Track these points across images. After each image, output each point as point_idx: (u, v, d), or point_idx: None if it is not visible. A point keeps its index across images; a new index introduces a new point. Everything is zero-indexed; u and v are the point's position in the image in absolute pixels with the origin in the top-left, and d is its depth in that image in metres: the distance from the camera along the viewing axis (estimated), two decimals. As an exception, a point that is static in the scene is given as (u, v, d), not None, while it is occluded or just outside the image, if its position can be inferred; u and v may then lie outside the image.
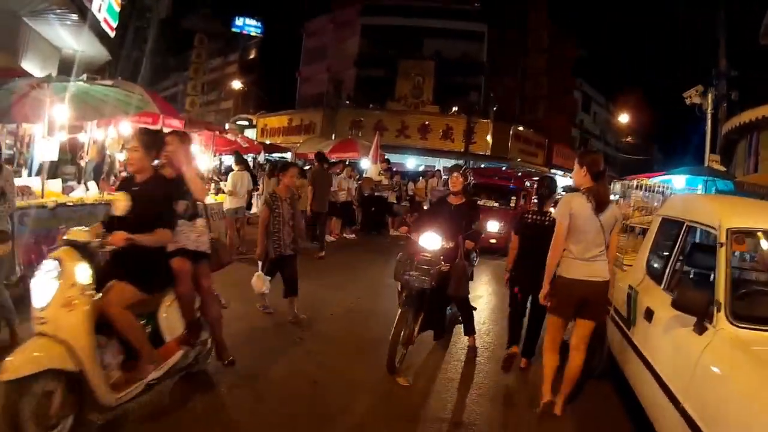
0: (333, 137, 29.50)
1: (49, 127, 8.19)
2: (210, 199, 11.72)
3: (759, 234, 4.31)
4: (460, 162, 6.89)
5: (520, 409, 5.26)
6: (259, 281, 7.14)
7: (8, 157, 10.48)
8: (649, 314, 4.44)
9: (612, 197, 6.62)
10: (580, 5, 46.89)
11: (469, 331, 6.60)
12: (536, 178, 19.43)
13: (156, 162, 4.58)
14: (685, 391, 3.42)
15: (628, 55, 59.86)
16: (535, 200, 7.84)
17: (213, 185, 13.28)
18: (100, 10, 14.17)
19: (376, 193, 17.12)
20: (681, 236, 4.76)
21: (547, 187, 6.45)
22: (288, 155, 28.02)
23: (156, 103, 11.42)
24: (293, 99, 45.85)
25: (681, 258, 4.85)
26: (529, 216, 6.36)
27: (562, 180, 32.57)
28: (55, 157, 8.92)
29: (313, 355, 6.11)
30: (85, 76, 12.41)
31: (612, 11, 59.88)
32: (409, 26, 37.99)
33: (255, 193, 14.24)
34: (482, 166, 29.67)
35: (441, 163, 29.47)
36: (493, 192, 16.65)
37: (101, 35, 14.83)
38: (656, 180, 11.73)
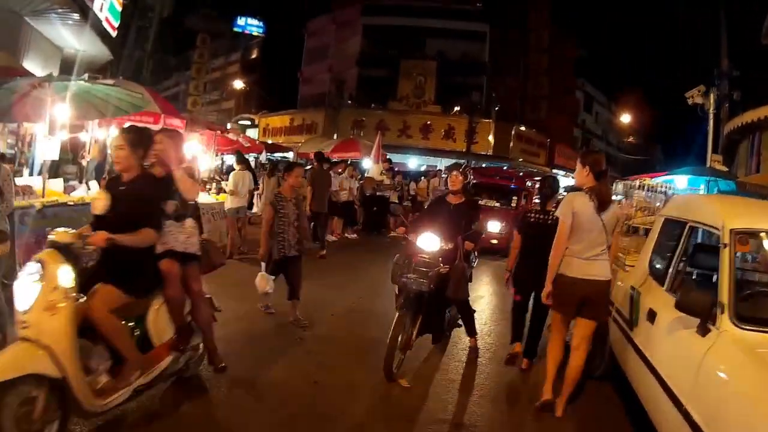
0: (335, 137, 29.49)
1: (51, 127, 8.19)
2: (211, 199, 11.73)
3: (762, 235, 4.29)
4: (461, 161, 6.80)
5: (521, 411, 5.23)
6: (263, 281, 7.06)
7: (10, 157, 10.48)
8: (651, 315, 4.42)
9: (614, 197, 6.62)
10: (582, 5, 46.79)
11: (471, 332, 6.50)
12: (537, 178, 19.40)
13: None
14: (688, 393, 3.39)
15: (630, 55, 59.73)
16: (537, 200, 7.84)
17: (214, 185, 13.29)
18: (101, 9, 14.15)
19: (377, 193, 17.12)
20: (684, 237, 4.74)
21: (550, 186, 6.47)
22: (290, 155, 28.03)
23: (157, 102, 11.41)
24: (295, 99, 45.84)
25: (684, 259, 4.83)
26: (532, 215, 6.38)
27: (564, 180, 32.60)
28: (56, 157, 8.93)
29: (313, 355, 6.10)
30: (86, 75, 12.45)
31: (614, 11, 59.78)
32: (411, 26, 37.94)
33: (256, 193, 14.24)
34: (483, 165, 29.62)
35: (443, 163, 29.42)
36: (494, 192, 16.57)
37: (103, 35, 14.82)
38: (658, 180, 11.71)
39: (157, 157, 4.56)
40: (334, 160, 17.59)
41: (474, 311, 6.63)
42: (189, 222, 4.70)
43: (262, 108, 45.50)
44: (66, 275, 3.55)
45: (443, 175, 19.23)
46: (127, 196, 4.11)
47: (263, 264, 7.25)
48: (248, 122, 44.00)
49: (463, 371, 6.03)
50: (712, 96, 17.98)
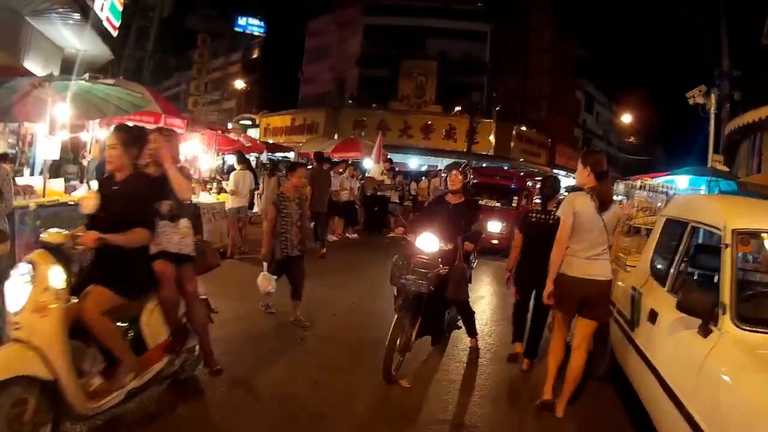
0: (336, 137, 29.49)
1: (51, 126, 8.17)
2: (212, 199, 11.73)
3: (764, 235, 4.28)
4: (460, 161, 6.70)
5: (522, 411, 5.22)
6: (265, 281, 7.00)
7: (12, 156, 10.48)
8: (653, 316, 4.41)
9: (616, 197, 6.62)
10: (583, 5, 46.75)
11: (471, 332, 6.46)
12: (538, 178, 19.37)
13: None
14: (690, 394, 3.38)
15: (631, 55, 59.69)
16: (538, 200, 7.83)
17: (215, 184, 13.28)
18: (102, 9, 14.13)
19: (378, 193, 17.11)
20: (685, 237, 4.73)
21: (551, 186, 6.48)
22: (291, 155, 28.02)
23: (158, 102, 11.39)
24: (296, 99, 45.83)
25: (685, 259, 4.82)
26: (533, 215, 6.38)
27: (565, 180, 32.56)
28: (56, 157, 8.91)
29: (313, 355, 6.10)
30: (87, 75, 12.41)
31: (615, 11, 59.72)
32: (412, 26, 37.92)
33: (256, 193, 14.24)
34: (484, 165, 29.61)
35: (443, 163, 29.36)
36: (494, 192, 16.54)
37: (104, 34, 14.81)
38: (660, 180, 11.71)
39: (151, 156, 4.50)
40: (335, 160, 17.58)
41: (473, 312, 6.57)
42: (183, 222, 4.63)
43: (263, 108, 45.49)
44: (57, 276, 3.51)
45: (443, 174, 19.21)
46: (119, 195, 4.07)
47: (265, 264, 7.20)
48: (249, 122, 43.98)
49: (464, 372, 6.02)
50: (713, 96, 17.96)
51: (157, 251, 4.39)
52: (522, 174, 20.73)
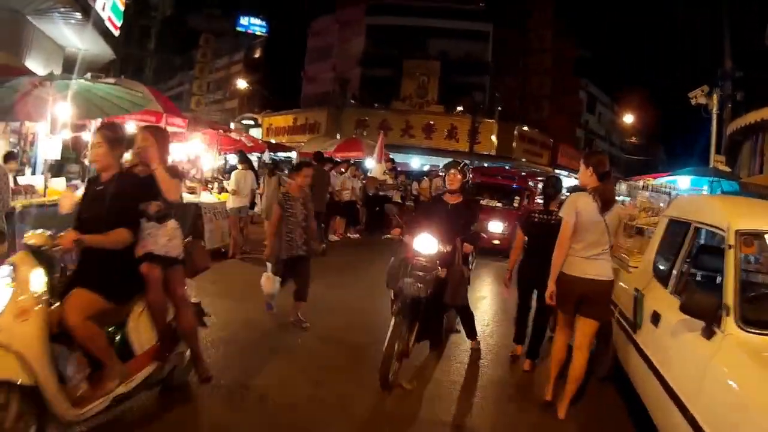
0: (338, 137, 29.48)
1: (52, 126, 8.17)
2: (213, 198, 11.72)
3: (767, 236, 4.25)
4: (459, 160, 6.53)
5: (524, 412, 5.20)
6: (269, 283, 6.90)
7: (16, 154, 10.48)
8: (655, 318, 4.38)
9: (618, 198, 6.60)
10: (585, 5, 46.71)
11: (472, 334, 6.40)
12: (540, 178, 19.35)
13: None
14: (693, 398, 3.36)
15: (633, 55, 59.69)
16: (540, 200, 7.83)
17: (217, 184, 13.27)
18: (104, 8, 14.13)
19: (380, 193, 17.09)
20: (688, 238, 4.70)
21: (553, 186, 6.48)
22: (293, 154, 28.02)
23: (159, 101, 11.40)
24: (298, 98, 45.88)
25: (688, 260, 4.79)
26: (536, 215, 6.36)
27: (567, 180, 32.53)
28: (58, 156, 8.91)
29: (314, 355, 6.07)
30: (89, 74, 12.42)
31: (617, 11, 59.71)
32: (414, 26, 37.98)
33: (257, 192, 14.22)
34: (485, 165, 29.61)
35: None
36: (496, 192, 16.51)
37: (105, 34, 14.80)
38: (662, 181, 11.68)
39: (139, 155, 4.38)
40: (337, 159, 17.55)
41: (473, 315, 6.49)
42: (171, 223, 4.40)
43: (265, 107, 45.57)
44: (38, 279, 3.42)
45: (440, 173, 19.15)
46: (103, 196, 3.96)
47: (269, 264, 7.07)
48: (251, 122, 44.01)
49: (465, 373, 6.00)
50: (715, 96, 17.89)
51: (144, 253, 4.23)
52: (523, 174, 20.71)
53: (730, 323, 3.38)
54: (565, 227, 4.83)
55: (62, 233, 3.67)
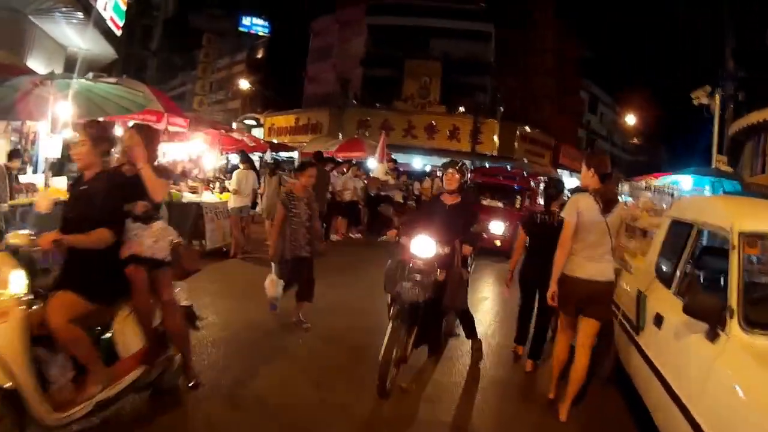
0: (340, 137, 29.47)
1: (53, 125, 8.16)
2: (215, 198, 11.71)
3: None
4: (457, 160, 6.35)
5: (524, 413, 5.18)
6: (272, 286, 6.82)
7: (20, 152, 10.49)
8: (658, 320, 4.35)
9: (620, 198, 6.59)
10: (587, 5, 46.72)
11: (472, 335, 6.28)
12: (541, 178, 19.31)
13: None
14: (696, 400, 3.33)
15: (635, 56, 59.66)
16: (541, 201, 7.82)
17: (218, 184, 13.26)
18: (105, 8, 14.12)
19: (382, 193, 17.07)
20: (691, 239, 4.68)
21: (554, 187, 6.51)
22: (295, 154, 28.02)
23: (160, 101, 11.38)
24: (300, 98, 45.87)
25: (691, 261, 4.77)
26: (538, 216, 6.36)
27: (569, 180, 32.51)
28: (59, 155, 8.90)
29: (314, 355, 6.06)
30: (91, 74, 12.41)
31: (619, 11, 59.67)
32: (416, 26, 37.99)
33: (258, 192, 14.21)
34: (486, 165, 29.59)
35: (447, 164, 29.26)
36: (497, 192, 16.47)
37: (107, 33, 14.81)
38: (664, 181, 11.66)
39: (126, 153, 4.31)
40: (339, 159, 17.53)
41: (473, 318, 6.36)
42: (157, 224, 4.28)
43: (267, 108, 45.57)
44: (18, 280, 3.34)
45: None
46: (86, 195, 3.89)
47: (273, 265, 7.00)
48: (254, 122, 44.00)
49: (466, 373, 5.98)
50: (717, 97, 17.88)
51: (129, 255, 4.10)
52: (525, 174, 20.67)
53: (734, 325, 3.35)
54: (567, 228, 4.83)
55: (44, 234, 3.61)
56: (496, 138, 34.00)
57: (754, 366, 3.07)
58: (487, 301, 9.54)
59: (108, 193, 3.89)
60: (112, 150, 4.31)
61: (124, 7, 15.83)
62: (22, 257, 3.43)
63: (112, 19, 14.83)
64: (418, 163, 32.53)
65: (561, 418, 4.84)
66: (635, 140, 50.46)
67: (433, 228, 5.40)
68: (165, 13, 36.56)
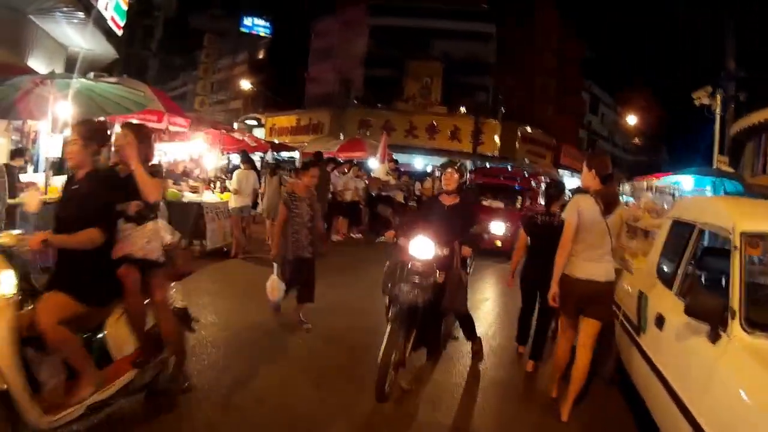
0: (341, 137, 29.47)
1: (54, 124, 8.16)
2: (216, 198, 11.70)
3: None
4: (455, 159, 6.24)
5: (525, 413, 5.17)
6: (274, 289, 6.80)
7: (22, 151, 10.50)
8: (660, 320, 4.34)
9: (622, 198, 6.59)
10: (588, 6, 46.76)
11: (472, 337, 6.24)
12: (542, 178, 19.29)
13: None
14: (697, 401, 3.31)
15: (636, 56, 59.73)
16: (542, 202, 7.81)
17: (219, 184, 13.26)
18: (106, 8, 14.11)
19: (383, 193, 17.06)
20: (692, 239, 4.66)
21: (556, 188, 6.50)
22: (296, 154, 28.02)
23: (161, 101, 11.37)
24: (301, 99, 45.90)
25: (692, 262, 4.76)
26: (539, 216, 6.36)
27: (570, 181, 32.49)
28: (60, 154, 8.90)
29: (314, 356, 6.05)
30: (92, 74, 12.41)
31: (620, 12, 59.69)
32: (417, 27, 38.03)
33: (259, 192, 14.21)
34: (487, 165, 29.59)
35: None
36: (498, 192, 16.45)
37: (108, 33, 14.79)
38: (665, 181, 11.63)
39: (118, 152, 4.24)
40: (340, 160, 17.52)
41: (473, 320, 6.30)
42: (150, 225, 4.19)
43: (268, 108, 45.55)
44: (7, 280, 3.29)
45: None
46: (77, 195, 3.84)
47: (275, 265, 6.97)
48: (255, 122, 44.00)
49: (467, 374, 5.96)
50: (718, 97, 17.84)
51: (122, 255, 4.02)
52: (526, 174, 20.65)
53: (736, 326, 3.34)
54: (568, 228, 4.82)
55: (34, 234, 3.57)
56: (497, 138, 34.01)
57: (756, 367, 3.05)
58: (488, 302, 9.53)
59: (98, 193, 3.83)
60: (103, 149, 4.22)
61: (125, 7, 15.81)
62: (13, 257, 3.38)
63: (113, 19, 14.82)
64: (420, 163, 32.54)
65: (562, 419, 4.83)
66: (636, 140, 50.50)
67: (432, 229, 5.31)
68: (166, 13, 36.62)
